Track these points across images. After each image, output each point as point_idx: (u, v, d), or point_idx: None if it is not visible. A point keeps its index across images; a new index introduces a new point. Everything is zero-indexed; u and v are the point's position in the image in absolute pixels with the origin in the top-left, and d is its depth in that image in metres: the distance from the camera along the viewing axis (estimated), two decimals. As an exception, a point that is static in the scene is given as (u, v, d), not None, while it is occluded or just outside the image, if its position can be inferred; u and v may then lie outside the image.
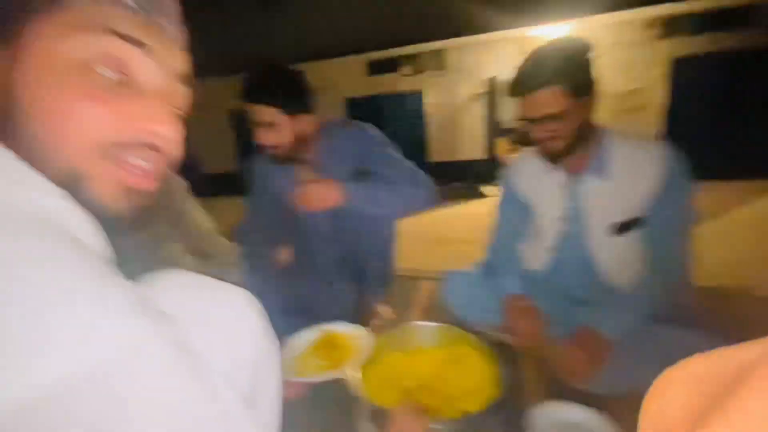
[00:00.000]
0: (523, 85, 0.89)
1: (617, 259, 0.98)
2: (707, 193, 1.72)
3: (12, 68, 0.31)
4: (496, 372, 0.89)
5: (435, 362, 0.98)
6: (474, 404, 0.83)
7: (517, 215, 1.13)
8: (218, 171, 7.09)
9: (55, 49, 0.31)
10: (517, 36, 5.30)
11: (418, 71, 6.29)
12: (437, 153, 6.53)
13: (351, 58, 6.46)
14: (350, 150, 1.18)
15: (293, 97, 1.08)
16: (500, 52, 5.60)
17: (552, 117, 0.87)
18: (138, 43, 0.34)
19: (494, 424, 0.84)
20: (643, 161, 0.90)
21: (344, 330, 1.02)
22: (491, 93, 5.90)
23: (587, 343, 0.86)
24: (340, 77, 6.52)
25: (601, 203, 0.95)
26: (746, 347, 0.14)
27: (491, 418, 0.81)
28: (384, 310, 1.34)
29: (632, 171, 0.91)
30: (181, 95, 0.40)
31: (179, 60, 0.39)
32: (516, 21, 4.89)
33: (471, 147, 6.27)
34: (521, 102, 0.90)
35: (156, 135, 0.35)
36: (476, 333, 0.99)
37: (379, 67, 6.47)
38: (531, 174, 1.06)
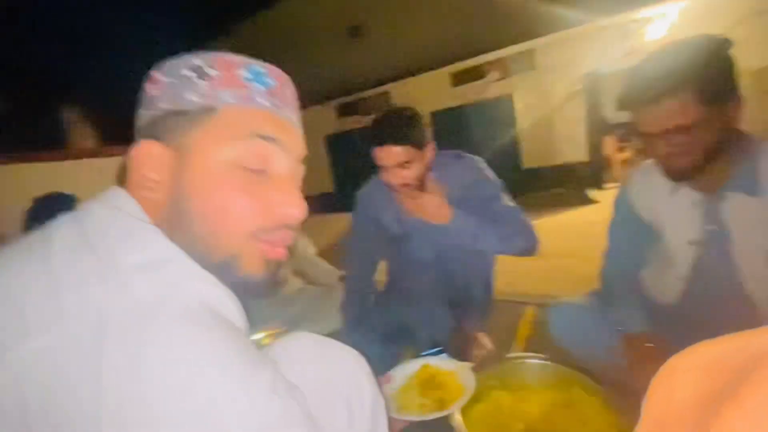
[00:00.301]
0: (640, 95, 0.76)
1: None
2: None
3: (182, 171, 0.38)
4: (615, 421, 0.78)
5: (543, 404, 0.90)
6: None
7: (636, 238, 0.99)
8: (315, 192, 7.66)
9: (213, 153, 0.38)
10: (619, 23, 4.74)
11: (506, 75, 6.03)
12: (532, 158, 6.14)
13: (434, 72, 6.48)
14: (458, 182, 1.18)
15: (419, 131, 1.11)
16: (599, 43, 5.06)
17: (680, 129, 0.73)
18: (274, 141, 0.41)
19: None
20: None
21: (446, 366, 0.99)
22: (591, 88, 5.37)
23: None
24: (424, 93, 6.58)
25: (753, 224, 0.78)
26: (756, 334, 0.14)
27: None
28: (484, 340, 1.28)
29: None
30: (301, 173, 0.45)
31: (300, 144, 0.45)
32: (617, 6, 4.39)
33: (571, 149, 5.76)
34: (638, 114, 0.79)
35: (289, 217, 0.42)
36: (590, 374, 0.89)
37: (463, 77, 6.37)
38: (653, 190, 0.92)
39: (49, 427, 0.27)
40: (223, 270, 0.37)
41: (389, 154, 1.08)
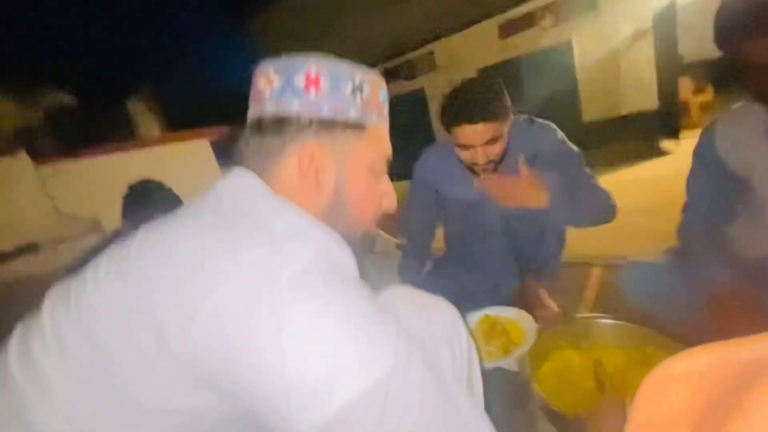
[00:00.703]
0: (751, 22, 0.65)
1: None
2: None
3: (342, 172, 0.50)
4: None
5: (616, 363, 0.89)
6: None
7: (721, 190, 0.91)
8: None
9: (362, 162, 0.52)
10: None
11: (563, 20, 5.50)
12: (594, 110, 5.67)
13: (480, 25, 6.07)
14: (538, 153, 1.08)
15: (504, 100, 1.00)
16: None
17: None
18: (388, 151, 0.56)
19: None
20: None
21: (505, 314, 1.02)
22: (663, 23, 4.75)
23: None
24: (471, 49, 6.21)
25: None
26: (754, 341, 0.14)
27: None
28: (548, 300, 1.27)
29: None
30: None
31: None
32: None
33: (638, 96, 5.22)
34: (746, 45, 0.68)
35: (390, 206, 0.58)
36: (666, 333, 0.85)
37: (513, 27, 5.91)
38: (744, 136, 0.83)
39: (234, 375, 0.34)
40: (352, 242, 0.48)
41: (477, 133, 0.97)
